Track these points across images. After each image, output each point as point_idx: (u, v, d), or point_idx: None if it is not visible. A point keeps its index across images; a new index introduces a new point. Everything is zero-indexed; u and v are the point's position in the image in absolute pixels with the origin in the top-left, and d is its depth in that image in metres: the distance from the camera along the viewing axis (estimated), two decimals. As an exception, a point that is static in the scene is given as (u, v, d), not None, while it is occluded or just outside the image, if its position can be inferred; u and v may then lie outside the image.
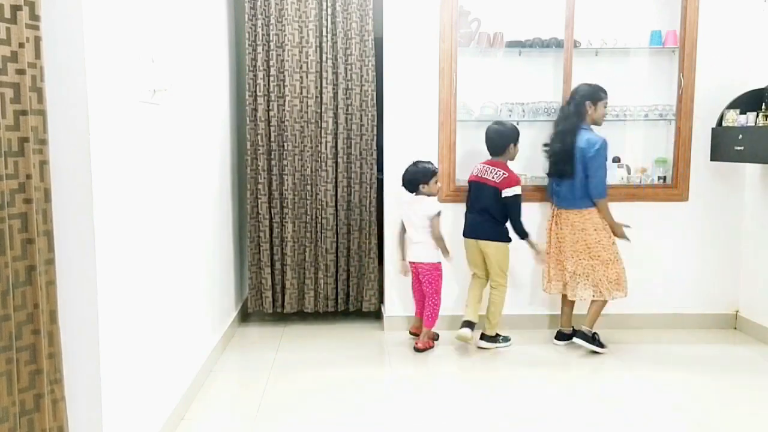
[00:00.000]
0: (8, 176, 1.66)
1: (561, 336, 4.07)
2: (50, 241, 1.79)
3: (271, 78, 4.24)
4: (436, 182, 3.97)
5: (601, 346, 3.89)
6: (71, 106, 2.00)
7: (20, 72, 1.69)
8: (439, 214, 3.92)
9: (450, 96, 4.21)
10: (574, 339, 3.92)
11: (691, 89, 4.23)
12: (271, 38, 4.22)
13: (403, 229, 4.07)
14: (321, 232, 4.35)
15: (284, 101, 4.26)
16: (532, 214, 4.30)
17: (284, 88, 4.25)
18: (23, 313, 1.71)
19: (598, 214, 3.86)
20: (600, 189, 3.80)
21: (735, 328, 4.37)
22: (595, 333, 3.90)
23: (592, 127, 3.91)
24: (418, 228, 3.95)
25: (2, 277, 1.62)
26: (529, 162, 4.43)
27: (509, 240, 3.96)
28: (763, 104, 3.89)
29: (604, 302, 3.92)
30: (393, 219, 4.27)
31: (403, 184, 3.98)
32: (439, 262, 3.98)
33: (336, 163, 4.33)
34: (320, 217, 4.34)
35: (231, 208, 4.34)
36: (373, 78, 4.29)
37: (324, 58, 4.24)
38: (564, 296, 4.04)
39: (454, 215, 4.18)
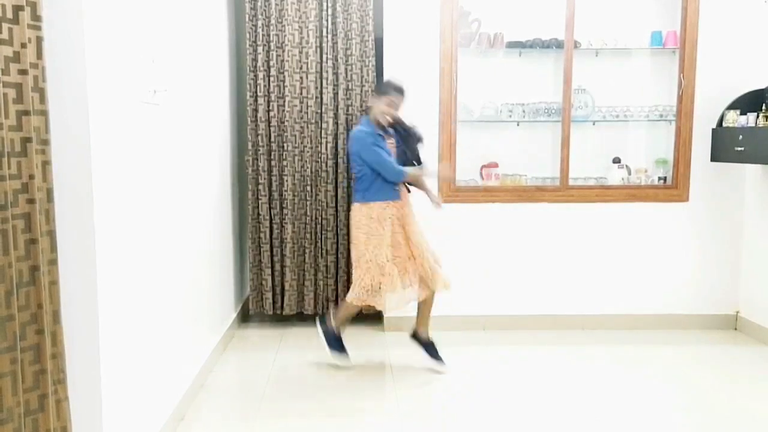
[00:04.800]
0: (11, 176, 1.66)
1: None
2: (53, 241, 1.79)
3: (272, 78, 4.24)
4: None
5: (333, 348, 3.67)
6: (72, 107, 2.00)
7: (22, 72, 1.69)
8: None
9: (450, 96, 4.21)
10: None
11: (691, 90, 4.24)
12: (271, 39, 4.22)
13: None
14: (321, 233, 4.35)
15: (284, 102, 4.26)
16: (531, 214, 4.31)
17: (284, 89, 4.25)
18: (27, 314, 1.71)
19: (357, 212, 3.59)
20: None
21: (735, 329, 4.37)
22: (335, 333, 3.70)
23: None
24: None
25: (6, 278, 1.61)
26: (531, 162, 4.44)
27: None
28: (764, 105, 3.90)
29: (351, 305, 3.64)
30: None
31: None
32: None
33: (336, 163, 4.32)
34: (320, 218, 4.34)
35: (231, 208, 4.34)
36: (373, 78, 4.29)
37: (324, 59, 4.24)
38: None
39: (456, 215, 4.18)
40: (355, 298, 3.60)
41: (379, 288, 3.53)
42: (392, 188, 3.56)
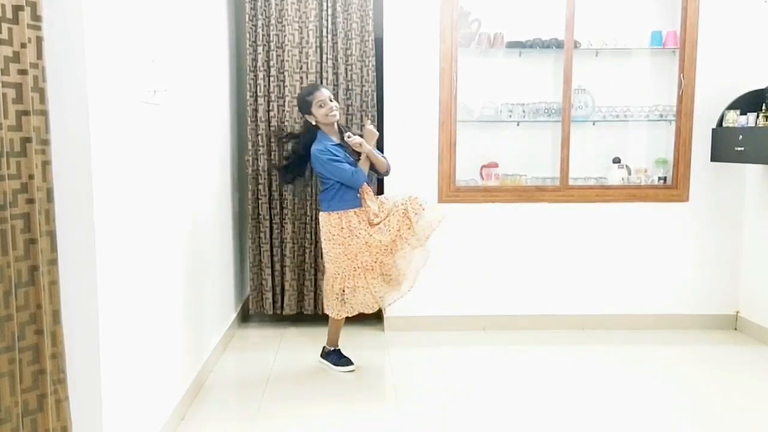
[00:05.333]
0: (11, 176, 1.66)
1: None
2: (53, 241, 1.78)
3: (272, 78, 4.25)
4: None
5: (340, 364, 3.66)
6: (72, 107, 2.00)
7: (22, 72, 1.69)
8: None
9: (450, 96, 4.21)
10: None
11: (691, 90, 4.24)
12: (271, 39, 4.22)
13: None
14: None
15: (284, 102, 4.26)
16: (531, 214, 4.31)
17: (284, 89, 4.25)
18: (26, 314, 1.71)
19: (326, 222, 3.56)
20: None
21: (735, 329, 4.37)
22: (332, 349, 3.72)
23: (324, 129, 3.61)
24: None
25: (5, 278, 1.61)
26: (530, 162, 4.44)
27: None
28: (764, 105, 3.89)
29: (334, 319, 3.66)
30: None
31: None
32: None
33: (336, 163, 4.32)
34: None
35: (231, 208, 4.34)
36: (373, 78, 4.29)
37: (324, 59, 4.24)
38: None
39: (456, 215, 4.18)
40: (330, 309, 3.63)
41: (343, 293, 3.57)
42: (355, 195, 3.54)
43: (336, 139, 3.61)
